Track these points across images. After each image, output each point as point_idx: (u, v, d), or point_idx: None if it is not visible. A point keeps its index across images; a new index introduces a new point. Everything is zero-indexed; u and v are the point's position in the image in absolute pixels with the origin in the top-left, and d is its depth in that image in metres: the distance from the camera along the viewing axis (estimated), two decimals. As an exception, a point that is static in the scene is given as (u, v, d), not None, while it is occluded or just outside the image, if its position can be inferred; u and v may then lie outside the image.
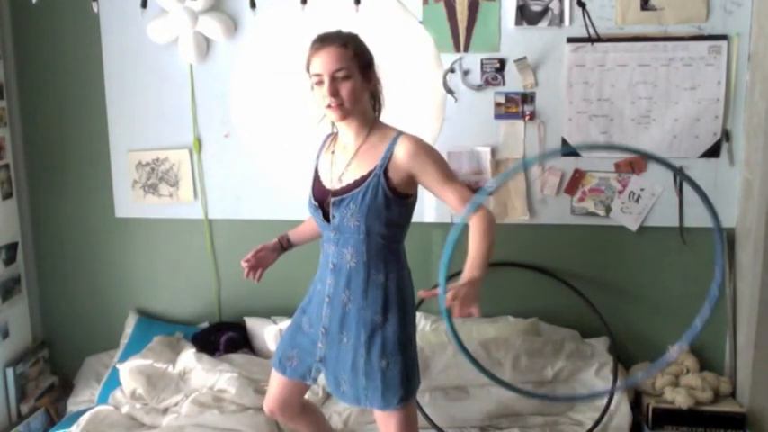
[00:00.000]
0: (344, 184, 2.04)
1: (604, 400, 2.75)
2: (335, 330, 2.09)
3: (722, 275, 1.93)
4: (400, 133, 2.03)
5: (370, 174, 1.99)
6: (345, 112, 2.00)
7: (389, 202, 1.98)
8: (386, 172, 1.98)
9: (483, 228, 1.90)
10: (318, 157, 2.21)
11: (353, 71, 1.97)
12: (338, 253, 2.06)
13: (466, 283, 1.78)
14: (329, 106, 1.99)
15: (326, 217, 2.08)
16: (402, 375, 2.03)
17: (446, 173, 1.99)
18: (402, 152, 1.98)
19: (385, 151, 2.00)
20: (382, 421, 2.10)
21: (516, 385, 2.08)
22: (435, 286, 1.76)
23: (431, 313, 3.09)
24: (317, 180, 2.15)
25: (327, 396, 2.87)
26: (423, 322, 3.03)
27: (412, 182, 2.02)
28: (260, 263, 2.30)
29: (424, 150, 1.99)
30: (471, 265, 1.85)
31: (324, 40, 1.99)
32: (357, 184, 2.00)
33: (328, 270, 2.11)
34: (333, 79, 1.96)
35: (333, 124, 2.16)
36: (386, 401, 2.03)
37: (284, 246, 2.37)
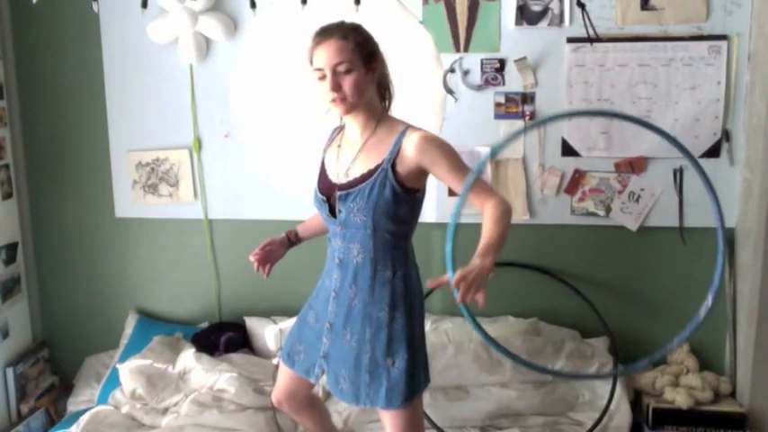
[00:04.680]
0: (351, 178, 2.01)
1: (605, 401, 2.75)
2: (340, 326, 2.08)
3: (723, 263, 1.93)
4: (408, 126, 2.00)
5: (377, 168, 1.96)
6: (349, 105, 1.96)
7: (397, 196, 1.95)
8: (393, 166, 1.95)
9: (496, 215, 1.85)
10: (325, 150, 2.18)
11: (356, 64, 1.93)
12: (345, 248, 2.04)
13: (475, 267, 1.73)
14: (333, 101, 1.96)
15: (333, 211, 2.05)
16: (407, 375, 2.00)
17: (457, 163, 1.95)
18: (411, 146, 1.94)
19: (393, 145, 1.96)
20: (386, 420, 2.08)
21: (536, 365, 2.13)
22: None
23: (431, 313, 3.09)
24: (323, 174, 2.12)
25: (328, 395, 2.87)
26: (423, 322, 3.03)
27: (420, 175, 1.98)
28: (268, 257, 2.28)
29: (434, 143, 1.96)
30: (481, 251, 1.78)
31: (324, 33, 1.96)
32: (364, 178, 1.98)
33: (335, 265, 2.09)
34: (334, 73, 1.93)
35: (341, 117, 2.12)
36: (389, 401, 2.00)
37: (292, 240, 2.33)
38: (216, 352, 3.09)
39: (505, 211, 1.88)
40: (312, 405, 2.43)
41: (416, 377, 2.03)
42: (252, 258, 2.25)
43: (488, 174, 3.00)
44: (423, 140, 1.94)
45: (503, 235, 1.84)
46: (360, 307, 2.03)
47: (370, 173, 1.97)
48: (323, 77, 1.95)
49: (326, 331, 2.12)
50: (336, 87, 1.93)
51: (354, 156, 2.03)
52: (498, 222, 1.85)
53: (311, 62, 1.99)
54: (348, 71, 1.93)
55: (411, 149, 1.94)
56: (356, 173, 2.01)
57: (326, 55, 1.93)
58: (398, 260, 2.02)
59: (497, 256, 1.81)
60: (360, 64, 1.94)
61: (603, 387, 2.81)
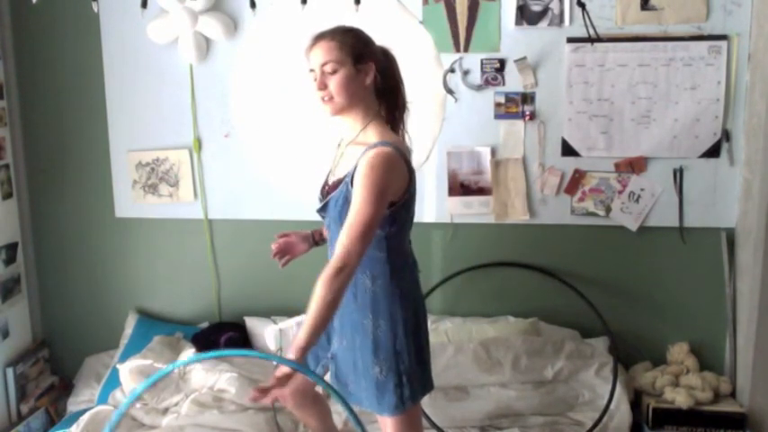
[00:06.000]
0: (333, 180, 2.02)
1: (605, 401, 2.75)
2: (338, 330, 2.08)
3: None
4: (377, 145, 1.91)
5: (344, 179, 1.95)
6: (337, 105, 1.95)
7: None
8: (354, 180, 1.90)
9: (319, 285, 1.80)
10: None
11: (344, 63, 1.92)
12: (332, 253, 2.04)
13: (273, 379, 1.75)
14: (321, 100, 1.96)
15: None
16: (395, 384, 1.98)
17: (363, 203, 1.83)
18: (358, 166, 1.89)
19: (357, 159, 1.92)
20: (382, 424, 2.09)
21: None
22: None
23: (430, 313, 3.09)
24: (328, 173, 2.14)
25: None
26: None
27: None
28: (287, 248, 2.26)
29: (365, 167, 1.86)
30: (293, 343, 1.80)
31: (317, 36, 1.98)
32: (335, 186, 1.98)
33: None
34: (321, 73, 1.94)
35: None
36: (380, 407, 2.01)
37: (315, 239, 2.31)
38: (216, 352, 3.09)
39: (332, 273, 1.80)
40: (315, 402, 2.42)
41: (407, 386, 2.00)
42: (273, 246, 2.25)
43: (488, 173, 3.00)
44: (363, 166, 1.87)
45: (320, 311, 1.79)
46: (347, 313, 2.03)
47: (339, 182, 1.97)
48: (315, 79, 1.96)
49: (334, 331, 2.12)
50: (322, 86, 1.94)
51: (338, 157, 2.05)
52: (319, 297, 1.79)
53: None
54: (334, 71, 1.92)
55: (357, 170, 1.89)
56: (335, 176, 2.02)
57: (315, 56, 1.95)
58: (378, 269, 1.98)
59: (309, 343, 1.79)
60: (349, 64, 1.93)
61: (603, 387, 2.80)
